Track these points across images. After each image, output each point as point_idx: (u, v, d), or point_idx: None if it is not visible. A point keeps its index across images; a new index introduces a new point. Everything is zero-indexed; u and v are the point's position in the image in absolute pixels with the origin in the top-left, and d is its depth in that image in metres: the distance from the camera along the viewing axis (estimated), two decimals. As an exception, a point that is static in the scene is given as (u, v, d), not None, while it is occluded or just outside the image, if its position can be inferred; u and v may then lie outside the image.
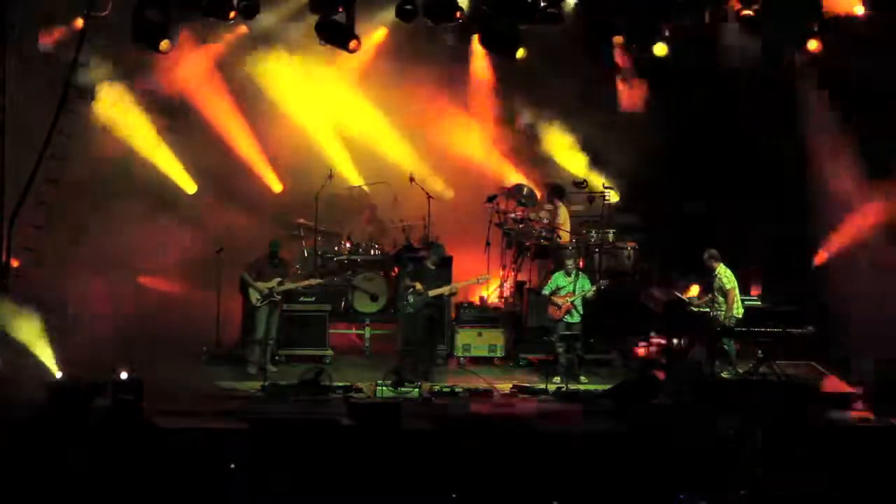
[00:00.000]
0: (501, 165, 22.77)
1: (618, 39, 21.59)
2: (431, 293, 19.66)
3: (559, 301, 19.49)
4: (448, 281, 19.97)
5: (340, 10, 19.89)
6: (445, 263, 20.23)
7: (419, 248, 20.88)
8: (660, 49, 20.89)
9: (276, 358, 19.69)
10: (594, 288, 19.60)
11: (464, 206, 22.49)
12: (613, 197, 21.63)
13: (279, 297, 19.41)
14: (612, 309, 20.57)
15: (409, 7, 20.03)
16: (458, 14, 20.08)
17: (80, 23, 19.33)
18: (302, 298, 20.27)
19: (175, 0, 19.43)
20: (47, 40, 19.65)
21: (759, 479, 15.03)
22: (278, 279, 19.37)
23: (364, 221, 22.24)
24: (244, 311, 20.08)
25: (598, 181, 21.94)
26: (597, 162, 22.44)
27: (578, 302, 19.51)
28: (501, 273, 21.12)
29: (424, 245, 20.91)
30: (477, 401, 18.51)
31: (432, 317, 19.82)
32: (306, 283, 20.02)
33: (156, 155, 21.21)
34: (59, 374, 17.06)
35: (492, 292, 21.37)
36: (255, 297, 19.33)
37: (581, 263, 20.36)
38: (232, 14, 19.39)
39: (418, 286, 19.65)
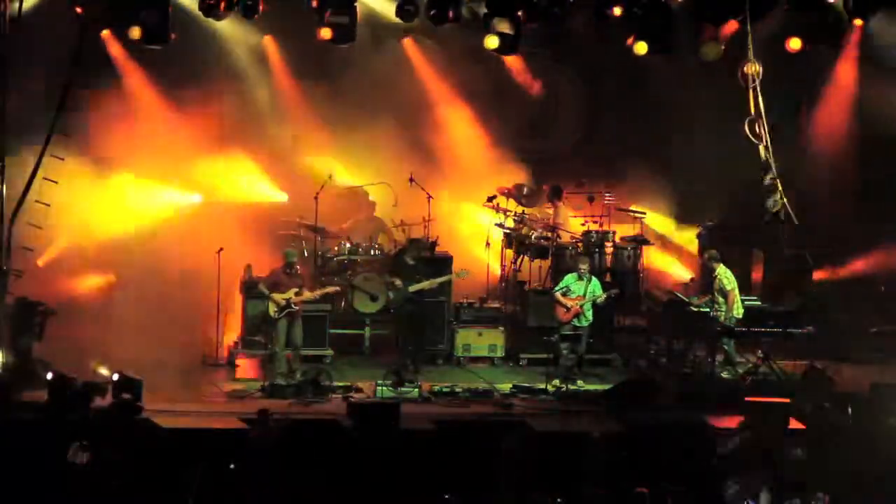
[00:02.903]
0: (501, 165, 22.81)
1: None
2: (411, 289, 19.70)
3: (568, 303, 19.40)
4: (428, 277, 19.99)
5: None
6: (426, 260, 20.33)
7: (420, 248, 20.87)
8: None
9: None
10: (605, 295, 19.42)
11: (464, 206, 22.53)
12: None
13: (297, 307, 19.21)
14: (613, 309, 20.59)
15: (409, 7, 20.00)
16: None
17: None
18: (302, 299, 20.29)
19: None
20: None
21: None
22: (295, 290, 19.21)
23: (364, 219, 22.27)
24: (245, 315, 20.12)
25: None
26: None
27: (588, 307, 19.38)
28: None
29: (425, 244, 20.92)
30: (477, 401, 18.53)
31: (413, 313, 19.84)
32: (322, 291, 19.77)
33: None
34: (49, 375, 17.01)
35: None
36: (272, 309, 19.10)
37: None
38: (223, 5, 19.42)
39: (397, 282, 19.71)
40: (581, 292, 19.33)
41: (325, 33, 19.67)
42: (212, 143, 21.66)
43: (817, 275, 21.87)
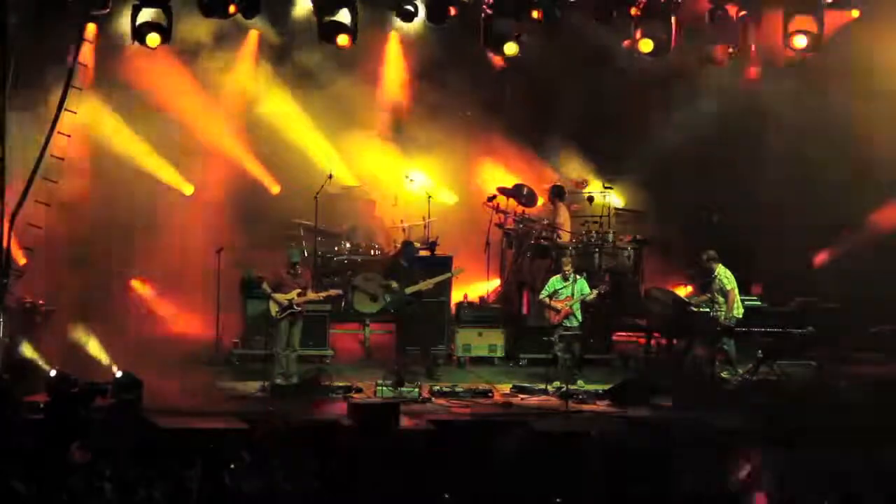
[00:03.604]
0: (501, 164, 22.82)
1: None
2: (408, 290, 19.70)
3: (558, 305, 19.35)
4: (425, 278, 19.99)
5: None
6: (424, 260, 20.37)
7: (420, 248, 20.88)
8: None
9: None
10: (594, 292, 19.43)
11: (464, 206, 22.54)
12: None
13: (299, 308, 19.13)
14: (613, 308, 20.59)
15: (409, 8, 20.01)
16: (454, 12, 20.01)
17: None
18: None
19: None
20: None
21: None
22: (298, 290, 19.13)
23: (364, 219, 22.27)
24: (244, 315, 20.12)
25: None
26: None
27: (577, 307, 19.36)
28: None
29: (425, 244, 20.93)
30: (477, 401, 18.53)
31: (413, 314, 19.85)
32: (326, 293, 19.66)
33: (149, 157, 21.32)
34: (53, 372, 17.04)
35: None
36: (274, 309, 18.99)
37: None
38: (232, 9, 19.40)
39: (394, 285, 19.71)
40: (569, 293, 19.31)
41: (343, 40, 19.50)
42: (207, 137, 21.72)
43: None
